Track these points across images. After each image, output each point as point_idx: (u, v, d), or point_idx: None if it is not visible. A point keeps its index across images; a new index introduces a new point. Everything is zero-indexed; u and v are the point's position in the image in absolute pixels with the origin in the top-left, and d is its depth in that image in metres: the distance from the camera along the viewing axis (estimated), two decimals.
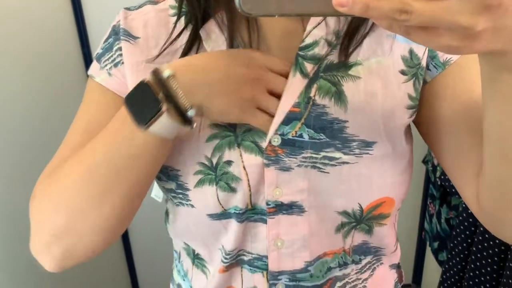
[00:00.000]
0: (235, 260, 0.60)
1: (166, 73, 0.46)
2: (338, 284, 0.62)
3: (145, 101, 0.45)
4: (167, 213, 0.66)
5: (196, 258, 0.64)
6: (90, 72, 0.59)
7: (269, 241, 0.57)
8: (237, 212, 0.55)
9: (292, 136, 0.52)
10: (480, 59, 0.39)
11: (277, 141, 0.52)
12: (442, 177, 1.29)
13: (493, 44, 0.33)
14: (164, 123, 0.46)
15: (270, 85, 0.51)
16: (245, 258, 0.60)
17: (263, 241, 0.57)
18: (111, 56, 0.57)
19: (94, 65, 0.58)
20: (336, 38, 0.53)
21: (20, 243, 1.09)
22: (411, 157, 0.59)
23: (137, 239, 1.78)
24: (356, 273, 0.63)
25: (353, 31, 0.53)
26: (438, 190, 1.40)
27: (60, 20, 1.32)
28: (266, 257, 0.58)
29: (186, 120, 0.47)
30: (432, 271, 1.76)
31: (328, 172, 0.53)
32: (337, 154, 0.53)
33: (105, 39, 0.59)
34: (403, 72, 0.54)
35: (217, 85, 0.47)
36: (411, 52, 0.54)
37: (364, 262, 0.63)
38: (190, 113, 0.46)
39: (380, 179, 0.55)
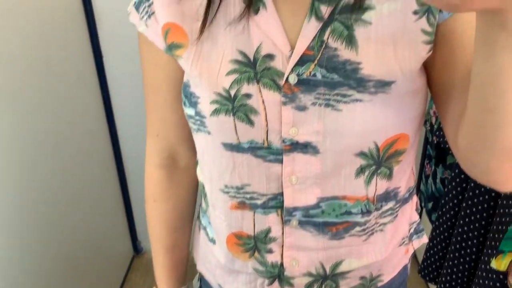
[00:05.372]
0: (249, 202, 0.63)
1: None
2: (358, 228, 0.64)
3: None
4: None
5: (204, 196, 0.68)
6: (131, 20, 0.62)
7: (284, 178, 0.60)
8: (253, 146, 0.58)
9: (307, 76, 0.54)
10: (477, 14, 0.41)
11: (293, 79, 0.54)
12: (437, 133, 1.29)
13: (489, 3, 0.35)
14: None
15: None
16: (259, 202, 0.62)
17: (278, 180, 0.60)
18: (145, 7, 0.59)
19: (134, 14, 0.61)
20: None
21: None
22: (426, 89, 0.60)
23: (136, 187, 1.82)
24: (376, 218, 0.65)
25: None
26: (434, 149, 1.40)
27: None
28: (281, 194, 0.61)
29: None
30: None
31: (341, 110, 0.54)
32: (350, 92, 0.54)
33: None
34: (415, 12, 0.54)
35: None
36: None
37: (385, 208, 0.65)
38: None
39: (397, 117, 0.56)
